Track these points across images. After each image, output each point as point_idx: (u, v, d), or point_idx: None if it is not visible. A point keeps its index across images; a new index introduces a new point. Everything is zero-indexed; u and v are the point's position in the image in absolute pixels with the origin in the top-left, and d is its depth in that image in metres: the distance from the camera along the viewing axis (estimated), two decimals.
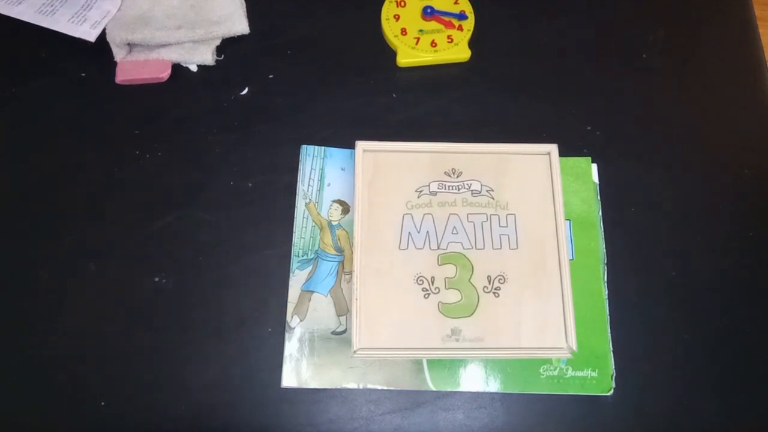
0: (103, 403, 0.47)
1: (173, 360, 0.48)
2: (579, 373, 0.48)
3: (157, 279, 0.50)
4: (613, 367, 0.49)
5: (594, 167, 0.55)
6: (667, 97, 0.59)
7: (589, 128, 0.57)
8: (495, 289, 0.47)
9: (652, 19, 0.62)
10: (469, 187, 0.49)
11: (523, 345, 0.46)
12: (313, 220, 0.52)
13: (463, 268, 0.48)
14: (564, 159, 0.55)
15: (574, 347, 0.46)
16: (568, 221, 0.53)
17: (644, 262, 0.52)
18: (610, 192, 0.54)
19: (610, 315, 0.50)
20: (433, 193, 0.49)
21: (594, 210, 0.53)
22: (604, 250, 0.52)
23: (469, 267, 0.48)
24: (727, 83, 0.60)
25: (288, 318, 0.49)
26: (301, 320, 0.49)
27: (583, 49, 0.60)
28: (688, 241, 0.53)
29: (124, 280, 0.50)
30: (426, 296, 0.47)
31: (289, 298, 0.49)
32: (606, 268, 0.52)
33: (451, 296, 0.47)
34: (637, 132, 0.57)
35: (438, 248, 0.48)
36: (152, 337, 0.48)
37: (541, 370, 0.48)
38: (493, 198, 0.49)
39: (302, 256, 0.50)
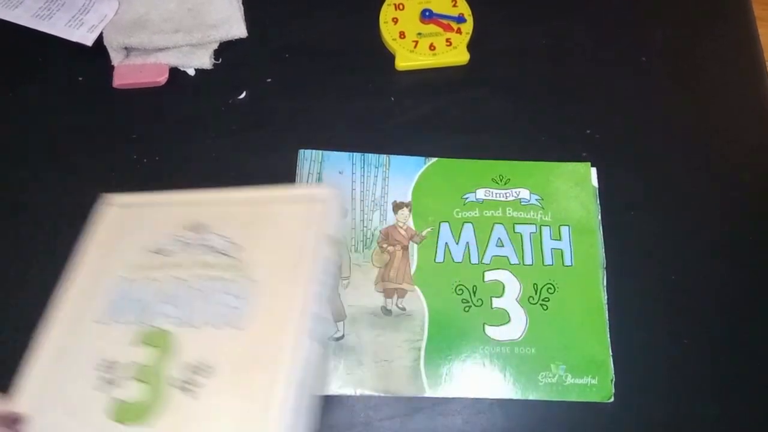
0: None
1: None
2: (578, 381, 0.48)
3: None
4: (613, 373, 0.48)
5: (593, 171, 0.55)
6: (667, 100, 0.59)
7: (588, 132, 0.57)
8: (195, 385, 0.34)
9: (651, 21, 0.62)
10: (211, 245, 0.39)
11: None
12: None
13: (163, 351, 0.36)
14: (563, 164, 0.54)
15: None
16: (567, 227, 0.52)
17: (644, 267, 0.52)
18: (609, 196, 0.54)
19: (609, 321, 0.50)
20: (167, 254, 0.39)
21: (593, 215, 0.53)
22: (604, 255, 0.52)
23: (171, 350, 0.36)
24: (727, 85, 0.60)
25: None
26: None
27: (582, 52, 0.60)
28: (688, 245, 0.53)
29: None
30: (100, 388, 0.36)
31: None
32: (605, 273, 0.51)
33: (132, 391, 0.35)
34: (637, 135, 0.57)
35: (141, 323, 0.37)
36: None
37: (540, 377, 0.48)
38: (236, 257, 0.38)
39: None
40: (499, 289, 0.50)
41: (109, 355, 0.36)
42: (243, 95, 0.56)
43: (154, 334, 0.36)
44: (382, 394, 0.47)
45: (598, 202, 0.54)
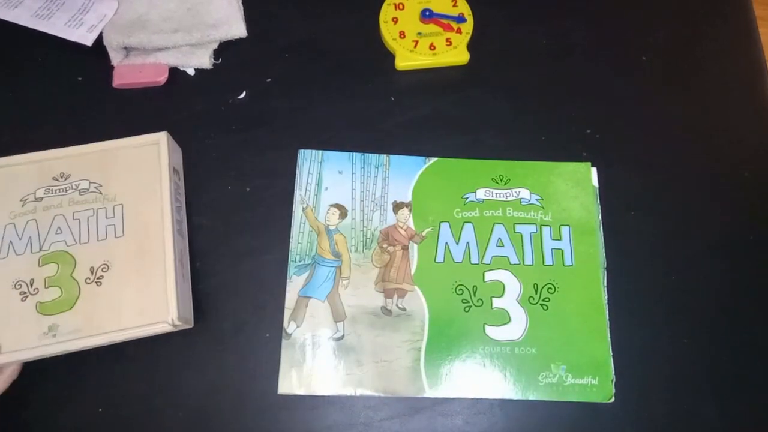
0: (100, 410, 0.47)
1: (171, 366, 0.48)
2: (579, 381, 0.48)
3: None
4: (614, 373, 0.48)
5: (593, 171, 0.54)
6: (667, 100, 0.59)
7: (588, 131, 0.57)
8: (98, 278, 0.46)
9: (651, 21, 0.62)
10: (78, 186, 0.49)
11: (125, 326, 0.45)
12: (311, 225, 0.51)
13: (65, 264, 0.47)
14: (563, 164, 0.54)
15: (177, 319, 0.45)
16: (567, 227, 0.52)
17: (644, 267, 0.52)
18: (610, 196, 0.54)
19: (610, 321, 0.50)
20: (39, 199, 0.49)
21: (593, 215, 0.53)
22: (604, 255, 0.52)
23: (72, 262, 0.47)
24: (728, 85, 0.60)
25: (285, 324, 0.48)
26: (297, 326, 0.48)
27: (582, 51, 0.60)
28: (689, 245, 0.53)
29: None
30: (23, 299, 0.46)
31: (286, 304, 0.49)
32: (606, 273, 0.51)
33: (51, 294, 0.46)
34: (637, 135, 0.57)
35: (40, 250, 0.47)
36: (149, 343, 0.48)
37: (540, 378, 0.48)
38: (101, 193, 0.49)
39: (299, 261, 0.50)
40: (499, 289, 0.50)
41: (23, 277, 0.46)
42: (243, 95, 0.56)
43: (53, 255, 0.47)
44: (382, 395, 0.47)
45: (599, 202, 0.53)
